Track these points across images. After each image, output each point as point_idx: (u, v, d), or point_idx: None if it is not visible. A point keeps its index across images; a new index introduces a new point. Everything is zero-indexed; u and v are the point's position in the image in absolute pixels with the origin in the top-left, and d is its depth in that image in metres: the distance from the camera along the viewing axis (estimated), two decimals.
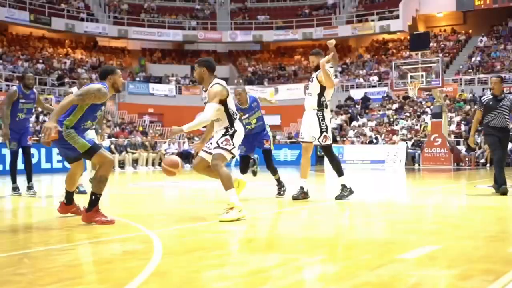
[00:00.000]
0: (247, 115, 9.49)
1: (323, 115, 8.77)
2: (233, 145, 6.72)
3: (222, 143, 6.67)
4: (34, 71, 33.29)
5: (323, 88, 8.78)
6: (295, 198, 8.96)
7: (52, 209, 7.68)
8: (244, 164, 9.79)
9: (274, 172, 9.69)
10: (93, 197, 6.31)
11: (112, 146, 23.14)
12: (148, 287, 3.45)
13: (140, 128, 30.80)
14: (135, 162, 24.28)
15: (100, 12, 40.67)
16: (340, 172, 8.86)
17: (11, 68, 32.25)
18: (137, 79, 38.33)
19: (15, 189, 10.19)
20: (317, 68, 8.89)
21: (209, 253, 4.60)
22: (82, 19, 38.94)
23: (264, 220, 7.20)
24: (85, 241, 5.45)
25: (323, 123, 8.76)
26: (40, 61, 35.29)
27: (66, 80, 33.67)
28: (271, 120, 36.67)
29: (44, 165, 20.22)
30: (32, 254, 4.71)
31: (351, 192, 8.84)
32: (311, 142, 8.98)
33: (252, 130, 9.58)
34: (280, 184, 9.71)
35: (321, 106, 8.78)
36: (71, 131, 6.27)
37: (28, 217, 7.99)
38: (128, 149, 24.22)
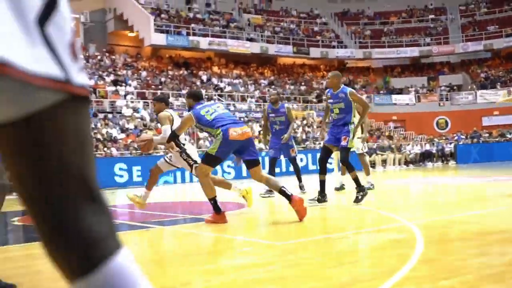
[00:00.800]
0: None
1: None
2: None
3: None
4: (298, 92, 34.79)
5: None
6: None
7: (324, 205, 7.84)
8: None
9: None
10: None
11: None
12: (419, 272, 3.30)
13: (387, 133, 30.37)
14: (384, 162, 24.01)
15: (348, 39, 41.08)
16: None
17: (281, 91, 34.04)
18: (381, 92, 37.94)
19: (270, 191, 9.88)
20: None
21: (469, 243, 4.27)
22: (334, 47, 39.71)
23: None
24: (354, 231, 5.45)
25: None
26: (302, 83, 36.75)
27: (324, 97, 34.63)
28: (507, 119, 33.72)
29: (311, 167, 20.95)
30: (314, 241, 4.83)
31: None
32: None
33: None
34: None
35: None
36: None
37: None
38: (378, 152, 24.04)
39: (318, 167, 8.11)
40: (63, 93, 0.93)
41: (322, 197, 7.82)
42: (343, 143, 7.73)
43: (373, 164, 23.04)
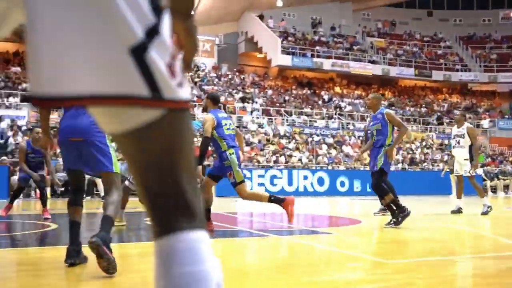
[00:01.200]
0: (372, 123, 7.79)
1: None
2: None
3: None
4: (418, 114, 33.51)
5: None
6: None
7: (440, 227, 7.42)
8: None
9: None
10: None
11: (483, 174, 21.66)
12: None
13: (510, 159, 28.22)
14: (506, 187, 22.30)
15: (472, 63, 38.92)
16: None
17: (400, 112, 33.00)
18: (506, 116, 35.41)
19: (384, 210, 9.24)
20: None
21: None
22: (457, 70, 37.85)
23: None
24: (469, 255, 5.07)
25: None
26: (423, 105, 35.36)
27: (445, 120, 33.10)
28: None
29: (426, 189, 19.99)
30: (426, 262, 4.55)
31: None
32: None
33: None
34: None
35: None
36: None
37: (408, 231, 7.78)
38: (500, 176, 22.39)
39: (376, 194, 7.55)
40: (156, 108, 1.05)
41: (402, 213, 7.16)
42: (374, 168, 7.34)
43: (494, 189, 21.49)
